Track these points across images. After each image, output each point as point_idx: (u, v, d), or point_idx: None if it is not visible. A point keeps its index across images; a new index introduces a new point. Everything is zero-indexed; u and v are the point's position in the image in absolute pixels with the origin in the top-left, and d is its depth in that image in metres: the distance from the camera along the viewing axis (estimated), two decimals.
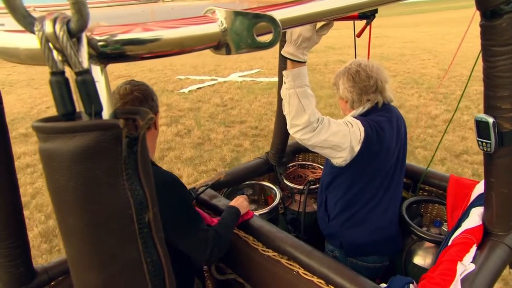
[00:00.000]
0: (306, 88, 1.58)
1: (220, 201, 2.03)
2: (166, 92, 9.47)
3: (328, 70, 10.60)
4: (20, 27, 0.41)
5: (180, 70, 12.17)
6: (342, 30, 13.79)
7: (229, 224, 1.66)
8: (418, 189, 2.25)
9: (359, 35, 1.74)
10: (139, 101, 1.42)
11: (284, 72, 1.59)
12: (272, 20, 0.45)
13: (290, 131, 1.65)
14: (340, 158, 1.74)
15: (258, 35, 0.47)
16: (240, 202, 1.84)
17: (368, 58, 1.93)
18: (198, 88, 9.62)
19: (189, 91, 9.43)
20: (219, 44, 0.47)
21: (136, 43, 0.43)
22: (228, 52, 0.48)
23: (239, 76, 10.94)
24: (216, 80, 10.51)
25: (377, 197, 1.87)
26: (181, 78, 10.99)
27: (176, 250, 1.43)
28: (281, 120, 2.45)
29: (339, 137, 1.66)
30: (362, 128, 1.71)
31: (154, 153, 1.63)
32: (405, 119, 1.99)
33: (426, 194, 2.27)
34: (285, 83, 1.59)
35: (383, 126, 1.79)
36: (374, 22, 1.59)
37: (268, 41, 0.47)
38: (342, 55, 13.00)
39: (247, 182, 2.50)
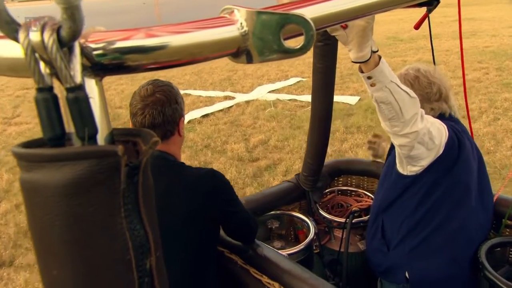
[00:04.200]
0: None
1: None
2: None
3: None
4: None
5: (176, 79, 9.67)
6: (402, 12, 13.45)
7: None
8: (503, 227, 2.18)
9: (417, 27, 1.75)
10: (161, 103, 1.63)
11: (363, 76, 1.61)
12: (303, 21, 0.47)
13: (406, 130, 1.68)
14: (426, 160, 1.83)
15: (285, 39, 0.49)
16: None
17: (462, 53, 1.95)
18: (203, 117, 7.28)
19: (189, 121, 6.97)
20: (238, 51, 0.49)
21: (138, 52, 0.45)
22: (249, 60, 0.50)
23: (269, 92, 8.59)
24: (233, 98, 8.34)
25: (456, 217, 1.92)
26: None
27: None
28: (315, 132, 2.46)
29: (436, 129, 1.76)
30: (445, 126, 1.83)
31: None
32: None
33: None
34: (372, 86, 1.61)
35: (461, 132, 1.91)
36: None
37: (299, 46, 0.48)
38: (420, 52, 11.02)
39: (272, 212, 2.52)
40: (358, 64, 1.58)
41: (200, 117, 7.31)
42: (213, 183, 1.73)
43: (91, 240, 0.41)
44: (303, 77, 9.41)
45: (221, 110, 7.68)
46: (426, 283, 1.94)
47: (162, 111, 1.65)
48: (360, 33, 1.45)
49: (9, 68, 0.46)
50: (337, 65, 2.29)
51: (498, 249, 2.10)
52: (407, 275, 1.96)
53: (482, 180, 2.03)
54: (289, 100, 8.00)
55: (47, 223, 0.40)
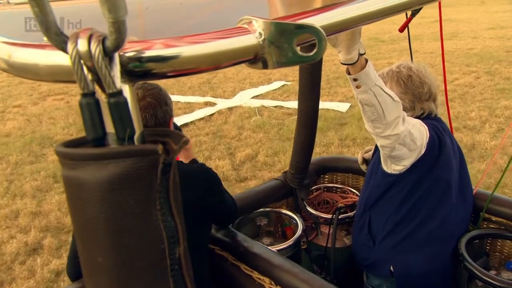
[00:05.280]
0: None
1: (230, 234, 2.08)
2: None
3: None
4: (40, 42, 0.48)
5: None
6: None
7: None
8: (481, 220, 2.24)
9: (401, 30, 1.82)
10: (152, 107, 1.69)
11: (350, 78, 1.66)
12: (316, 31, 0.52)
13: (387, 132, 1.74)
14: (409, 160, 1.89)
15: (298, 45, 0.53)
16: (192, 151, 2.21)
17: (443, 55, 2.02)
18: (183, 126, 6.68)
19: None
20: (255, 58, 0.54)
21: (165, 60, 0.49)
22: (265, 67, 0.55)
23: (252, 98, 7.97)
24: (215, 104, 7.70)
25: (438, 214, 1.99)
26: None
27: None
28: (302, 131, 2.51)
29: (417, 131, 1.82)
30: (426, 127, 1.89)
31: None
32: None
33: (492, 226, 2.25)
34: (358, 88, 1.66)
35: (442, 131, 1.98)
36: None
37: (312, 54, 0.53)
38: (404, 53, 10.51)
39: (261, 210, 2.56)
40: (344, 66, 1.64)
41: (179, 126, 6.40)
42: (204, 177, 1.86)
43: (132, 230, 0.45)
44: (287, 81, 8.89)
45: (202, 119, 7.02)
46: (410, 276, 2.01)
47: (154, 114, 1.71)
48: (349, 36, 1.51)
49: (49, 74, 0.50)
50: (322, 68, 2.34)
51: (477, 241, 2.18)
52: (391, 269, 2.03)
53: (462, 177, 2.10)
54: (275, 107, 7.42)
55: (93, 215, 0.44)
